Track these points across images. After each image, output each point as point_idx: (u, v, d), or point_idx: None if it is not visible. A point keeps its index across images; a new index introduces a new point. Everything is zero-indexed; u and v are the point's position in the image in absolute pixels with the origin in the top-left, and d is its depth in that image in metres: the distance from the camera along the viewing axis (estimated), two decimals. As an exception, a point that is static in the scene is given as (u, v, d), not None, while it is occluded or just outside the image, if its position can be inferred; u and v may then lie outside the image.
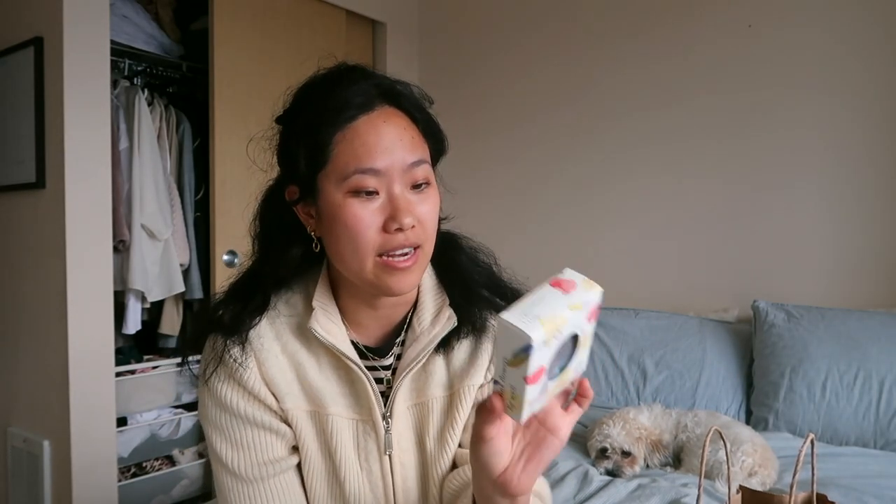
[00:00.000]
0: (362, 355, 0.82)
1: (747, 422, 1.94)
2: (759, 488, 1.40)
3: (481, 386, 0.85)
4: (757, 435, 1.59)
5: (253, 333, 0.79)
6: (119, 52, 2.28)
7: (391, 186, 0.73)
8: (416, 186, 0.75)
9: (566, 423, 0.63)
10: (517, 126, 2.79)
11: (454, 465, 0.86)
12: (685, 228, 2.39)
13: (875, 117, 2.04)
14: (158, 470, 2.32)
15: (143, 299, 2.24)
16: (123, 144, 2.19)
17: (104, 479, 2.03)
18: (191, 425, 2.43)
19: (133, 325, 2.22)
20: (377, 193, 0.73)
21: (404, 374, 0.81)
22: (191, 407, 2.44)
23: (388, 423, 0.82)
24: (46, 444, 2.02)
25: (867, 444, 1.74)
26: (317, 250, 0.80)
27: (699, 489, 0.95)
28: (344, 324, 0.82)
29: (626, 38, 2.51)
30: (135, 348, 2.42)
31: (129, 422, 2.25)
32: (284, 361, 0.80)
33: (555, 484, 1.49)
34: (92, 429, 1.99)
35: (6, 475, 2.18)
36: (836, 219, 2.12)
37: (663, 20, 2.42)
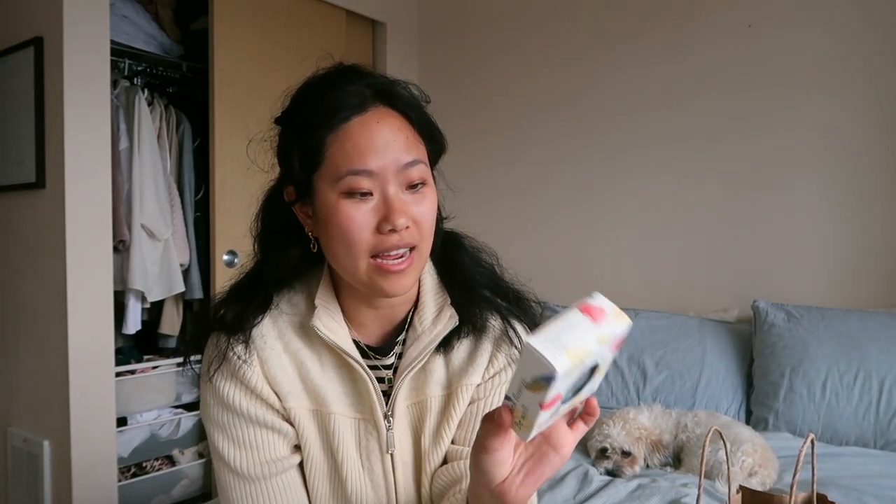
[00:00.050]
0: (364, 354, 0.82)
1: (747, 422, 1.94)
2: (759, 488, 1.40)
3: (478, 385, 0.85)
4: (757, 435, 1.59)
5: (255, 332, 0.79)
6: (119, 52, 2.28)
7: (385, 187, 0.73)
8: (411, 187, 0.75)
9: (569, 440, 0.62)
10: (517, 126, 2.79)
11: (444, 461, 0.86)
12: (685, 228, 2.39)
13: (875, 117, 2.04)
14: (158, 470, 2.32)
15: (143, 299, 2.24)
16: (123, 144, 2.19)
17: (104, 479, 2.03)
18: (191, 425, 2.43)
19: (133, 325, 2.22)
20: (371, 194, 0.73)
21: (405, 373, 0.81)
22: (191, 407, 2.43)
23: (389, 422, 0.82)
24: (46, 444, 2.02)
25: (867, 444, 1.74)
26: (314, 251, 0.80)
27: (699, 489, 0.95)
28: (346, 323, 0.82)
29: (626, 38, 2.51)
30: (135, 348, 2.41)
31: (129, 422, 2.25)
32: (287, 360, 0.80)
33: (555, 484, 1.49)
34: (92, 429, 1.99)
35: (6, 475, 2.18)
36: (836, 219, 2.12)
37: (663, 20, 2.42)
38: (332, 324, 0.80)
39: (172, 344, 2.44)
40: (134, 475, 2.25)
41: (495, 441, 0.60)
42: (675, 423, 1.71)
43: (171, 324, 2.40)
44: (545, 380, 0.51)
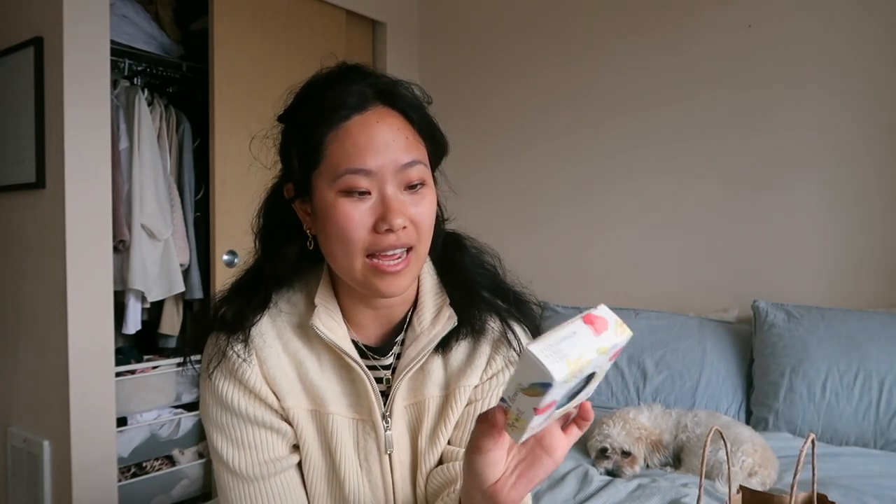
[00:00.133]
0: (362, 354, 0.82)
1: (747, 422, 1.94)
2: (759, 488, 1.40)
3: (476, 386, 0.85)
4: (757, 435, 1.59)
5: (254, 331, 0.79)
6: (119, 52, 2.28)
7: (383, 187, 0.73)
8: (410, 187, 0.75)
9: (563, 444, 0.63)
10: (517, 126, 2.79)
11: (439, 461, 0.86)
12: (685, 228, 2.39)
13: (875, 117, 2.04)
14: (158, 470, 2.32)
15: (143, 299, 2.24)
16: (123, 144, 2.19)
17: (104, 479, 2.03)
18: (191, 425, 2.43)
19: (133, 325, 2.22)
20: (369, 194, 0.73)
21: (404, 373, 0.81)
22: (191, 407, 2.44)
23: (387, 422, 0.82)
24: (46, 444, 2.02)
25: (867, 444, 1.74)
26: (310, 248, 0.80)
27: (699, 489, 0.95)
28: (345, 323, 0.82)
29: (626, 38, 2.51)
30: (135, 348, 2.42)
31: (129, 422, 2.25)
32: (286, 360, 0.80)
33: (555, 484, 1.49)
34: (92, 429, 1.99)
35: (6, 475, 2.18)
36: (836, 219, 2.12)
37: (663, 20, 2.42)
38: (331, 323, 0.80)
39: (172, 344, 2.44)
40: (134, 475, 2.25)
41: (489, 441, 0.60)
42: (675, 423, 1.70)
43: (171, 324, 2.40)
44: (542, 386, 0.52)
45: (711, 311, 2.27)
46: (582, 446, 1.72)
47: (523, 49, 2.77)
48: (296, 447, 0.83)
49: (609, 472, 1.58)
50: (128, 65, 2.36)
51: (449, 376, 0.85)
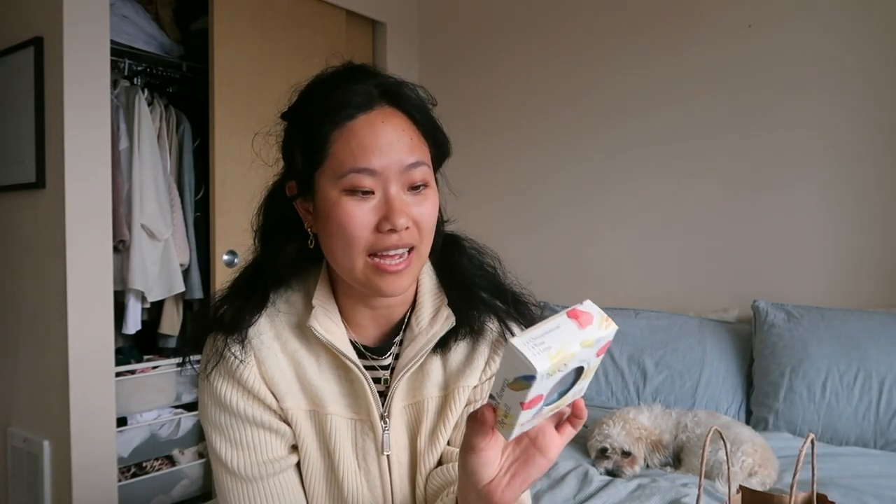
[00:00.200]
0: (361, 355, 0.82)
1: (747, 422, 1.94)
2: (759, 488, 1.40)
3: (475, 387, 0.85)
4: (757, 435, 1.59)
5: (252, 331, 0.79)
6: (119, 52, 2.28)
7: (387, 187, 0.73)
8: (413, 188, 0.75)
9: (556, 443, 0.63)
10: (517, 126, 2.79)
11: (439, 462, 0.86)
12: (685, 228, 2.39)
13: (875, 117, 2.04)
14: (158, 470, 2.32)
15: (143, 299, 2.24)
16: (123, 144, 2.19)
17: (104, 479, 2.03)
18: (191, 425, 2.43)
19: (133, 325, 2.22)
20: (373, 193, 0.73)
21: (402, 373, 0.81)
22: (191, 407, 2.44)
23: (386, 422, 0.82)
24: (46, 444, 2.02)
25: (867, 444, 1.74)
26: (311, 247, 0.80)
27: (699, 489, 0.95)
28: (343, 323, 0.82)
29: (626, 38, 2.51)
30: (135, 348, 2.42)
31: (129, 422, 2.25)
32: (284, 360, 0.80)
33: (555, 484, 1.49)
34: (92, 429, 1.99)
35: (6, 475, 2.18)
36: (836, 219, 2.12)
37: (663, 20, 2.42)
38: (329, 324, 0.80)
39: (172, 344, 2.44)
40: (134, 475, 2.25)
41: (481, 440, 0.61)
42: (675, 423, 1.70)
43: (171, 324, 2.40)
44: (526, 379, 0.52)
45: (711, 311, 2.27)
46: (582, 446, 1.72)
47: (523, 49, 2.77)
48: (294, 448, 0.83)
49: (609, 472, 1.58)
50: (128, 65, 2.36)
51: (448, 377, 0.85)
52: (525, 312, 0.88)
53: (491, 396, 0.58)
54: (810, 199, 2.16)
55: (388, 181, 0.73)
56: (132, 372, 2.26)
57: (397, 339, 0.84)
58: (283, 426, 0.81)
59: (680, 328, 2.17)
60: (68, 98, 1.91)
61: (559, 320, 0.55)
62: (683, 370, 2.06)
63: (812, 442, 0.88)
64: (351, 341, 0.82)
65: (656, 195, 2.45)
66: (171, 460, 2.37)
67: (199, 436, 2.45)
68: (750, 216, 2.26)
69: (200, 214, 2.44)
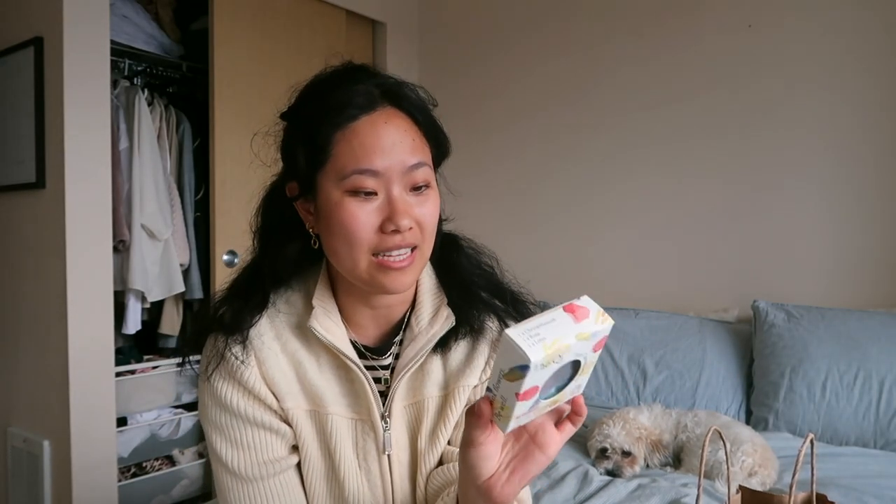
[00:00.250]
0: (361, 355, 0.82)
1: (747, 422, 1.94)
2: (759, 488, 1.40)
3: (475, 386, 0.85)
4: (757, 435, 1.59)
5: (253, 332, 0.79)
6: (119, 52, 2.28)
7: (390, 188, 0.73)
8: (415, 189, 0.75)
9: (556, 440, 0.63)
10: (517, 126, 2.79)
11: (440, 462, 0.86)
12: (685, 228, 2.39)
13: (875, 117, 2.04)
14: (158, 470, 2.32)
15: (143, 299, 2.24)
16: (123, 144, 2.19)
17: (104, 479, 2.03)
18: (191, 425, 2.43)
19: (133, 325, 2.22)
20: (375, 194, 0.73)
21: (402, 373, 0.81)
22: (191, 407, 2.44)
23: (386, 422, 0.82)
24: (46, 444, 2.02)
25: (867, 444, 1.74)
26: (315, 247, 0.80)
27: (699, 489, 0.95)
28: (343, 323, 0.82)
29: (626, 38, 2.51)
30: (135, 348, 2.42)
31: (129, 422, 2.25)
32: (284, 360, 0.80)
33: (555, 484, 1.49)
34: (92, 429, 1.99)
35: (6, 475, 2.18)
36: (836, 219, 2.12)
37: (663, 20, 2.42)
38: (329, 324, 0.80)
39: (172, 344, 2.44)
40: (134, 475, 2.25)
41: (479, 434, 0.61)
42: (675, 423, 1.70)
43: (171, 324, 2.40)
44: (520, 369, 0.53)
45: (711, 311, 2.27)
46: (582, 446, 1.72)
47: (523, 49, 2.77)
48: (295, 448, 0.83)
49: (609, 472, 1.58)
50: (128, 65, 2.36)
51: (448, 376, 0.85)
52: (524, 311, 0.88)
53: (488, 389, 0.59)
54: (810, 199, 2.16)
55: (391, 182, 0.73)
56: (132, 372, 2.26)
57: (397, 338, 0.84)
58: (284, 426, 0.81)
59: (680, 328, 2.17)
60: (68, 98, 1.91)
61: (555, 314, 0.56)
62: (683, 370, 2.07)
63: (812, 442, 0.88)
64: (351, 341, 0.82)
65: (656, 195, 2.45)
66: (171, 460, 2.37)
67: (199, 436, 2.45)
68: (750, 216, 2.26)
69: (200, 214, 2.44)
